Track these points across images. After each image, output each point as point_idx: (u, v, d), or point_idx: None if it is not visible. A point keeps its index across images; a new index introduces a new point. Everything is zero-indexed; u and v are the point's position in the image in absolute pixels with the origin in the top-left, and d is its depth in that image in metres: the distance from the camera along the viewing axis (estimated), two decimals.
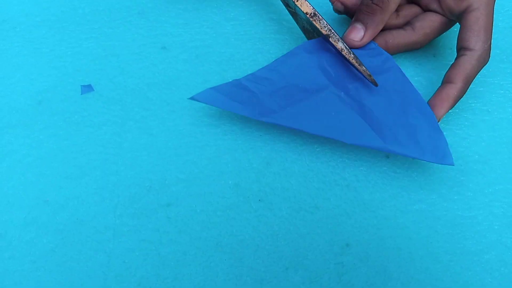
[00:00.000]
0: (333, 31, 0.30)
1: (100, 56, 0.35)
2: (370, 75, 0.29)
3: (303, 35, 0.34)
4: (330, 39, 0.30)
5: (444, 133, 0.31)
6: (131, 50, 0.35)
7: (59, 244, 0.29)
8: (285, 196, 0.30)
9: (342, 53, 0.30)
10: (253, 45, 0.35)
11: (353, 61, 0.30)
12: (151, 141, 0.32)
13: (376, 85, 0.29)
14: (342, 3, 0.32)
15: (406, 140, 0.28)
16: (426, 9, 0.32)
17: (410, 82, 0.30)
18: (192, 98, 0.30)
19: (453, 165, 0.28)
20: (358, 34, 0.30)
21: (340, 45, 0.30)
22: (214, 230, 0.29)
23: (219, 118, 0.32)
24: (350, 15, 0.33)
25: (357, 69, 0.30)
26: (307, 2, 0.31)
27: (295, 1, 0.31)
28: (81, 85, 0.33)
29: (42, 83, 0.34)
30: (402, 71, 0.30)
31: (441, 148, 0.28)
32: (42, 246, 0.29)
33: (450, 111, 0.30)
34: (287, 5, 0.32)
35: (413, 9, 0.33)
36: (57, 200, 0.30)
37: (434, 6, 0.31)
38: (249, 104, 0.30)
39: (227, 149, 0.31)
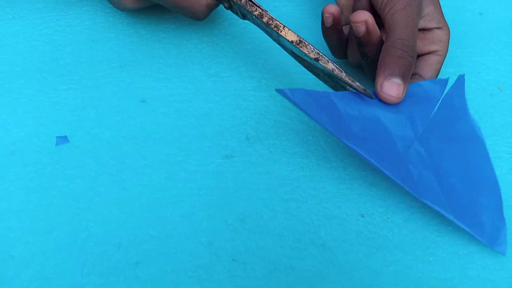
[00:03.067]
0: (321, 53, 0.30)
1: (78, 107, 0.35)
2: (365, 90, 0.29)
3: (282, 93, 0.34)
4: (320, 61, 0.30)
5: None
6: (110, 103, 0.35)
7: None
8: (259, 256, 0.29)
9: (334, 73, 0.30)
10: (232, 101, 0.35)
11: (346, 79, 0.29)
12: (124, 196, 0.31)
13: (372, 97, 0.29)
14: (332, 16, 0.31)
15: (471, 217, 0.29)
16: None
17: (489, 157, 0.30)
18: (279, 90, 0.28)
19: (504, 255, 0.29)
20: (399, 90, 0.29)
21: (330, 65, 0.30)
22: None
23: (194, 173, 0.32)
24: (333, 31, 0.33)
25: (350, 85, 0.29)
26: (291, 31, 0.31)
27: (279, 31, 0.31)
28: (56, 136, 0.33)
29: (17, 133, 0.33)
30: (484, 144, 0.30)
31: (500, 235, 0.29)
32: None
33: None
34: (270, 35, 0.33)
35: None
36: (23, 255, 0.29)
37: None
38: (335, 122, 0.29)
39: (202, 205, 0.31)
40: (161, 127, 0.34)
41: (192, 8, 0.32)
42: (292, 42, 0.30)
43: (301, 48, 0.30)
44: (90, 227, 0.30)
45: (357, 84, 0.29)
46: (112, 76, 0.36)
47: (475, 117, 0.35)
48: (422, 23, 0.33)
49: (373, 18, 0.30)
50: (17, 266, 0.29)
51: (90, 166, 0.32)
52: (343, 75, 0.30)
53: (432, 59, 0.33)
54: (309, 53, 0.30)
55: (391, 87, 0.29)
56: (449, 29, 0.34)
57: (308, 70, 0.33)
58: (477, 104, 0.36)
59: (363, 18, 0.30)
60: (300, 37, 0.31)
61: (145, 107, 0.35)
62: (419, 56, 0.34)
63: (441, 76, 0.37)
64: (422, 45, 0.33)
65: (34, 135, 0.33)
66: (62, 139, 0.33)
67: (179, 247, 0.29)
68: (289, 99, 0.29)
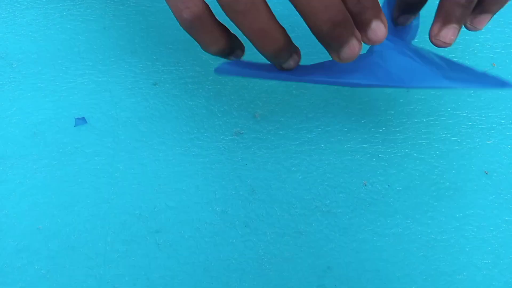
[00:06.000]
0: None
1: (94, 91, 0.37)
2: None
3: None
4: None
5: (417, 162, 0.34)
6: (123, 86, 0.37)
7: (50, 270, 0.29)
8: (269, 222, 0.32)
9: None
10: (239, 82, 0.37)
11: None
12: (142, 171, 0.33)
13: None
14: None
15: (464, 74, 0.26)
16: None
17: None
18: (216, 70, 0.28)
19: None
20: (454, 35, 0.27)
21: None
22: (202, 255, 0.30)
23: (207, 149, 0.34)
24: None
25: None
26: None
27: None
28: (75, 118, 0.35)
29: (37, 116, 0.35)
30: None
31: (496, 77, 0.26)
32: (33, 272, 0.29)
33: (422, 141, 0.34)
34: None
35: None
36: (49, 227, 0.31)
37: None
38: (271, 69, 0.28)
39: (215, 178, 0.33)
40: (174, 107, 0.36)
41: None
42: None
43: None
44: (111, 199, 0.32)
45: None
46: (124, 61, 0.38)
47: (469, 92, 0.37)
48: None
49: None
50: (45, 237, 0.31)
51: (108, 145, 0.34)
52: None
53: None
54: None
55: (451, 32, 0.27)
56: None
57: None
58: None
59: None
60: None
61: (157, 89, 0.37)
62: None
63: None
64: None
65: (53, 117, 0.35)
66: (81, 120, 0.35)
67: (195, 216, 0.31)
68: (230, 73, 0.28)
